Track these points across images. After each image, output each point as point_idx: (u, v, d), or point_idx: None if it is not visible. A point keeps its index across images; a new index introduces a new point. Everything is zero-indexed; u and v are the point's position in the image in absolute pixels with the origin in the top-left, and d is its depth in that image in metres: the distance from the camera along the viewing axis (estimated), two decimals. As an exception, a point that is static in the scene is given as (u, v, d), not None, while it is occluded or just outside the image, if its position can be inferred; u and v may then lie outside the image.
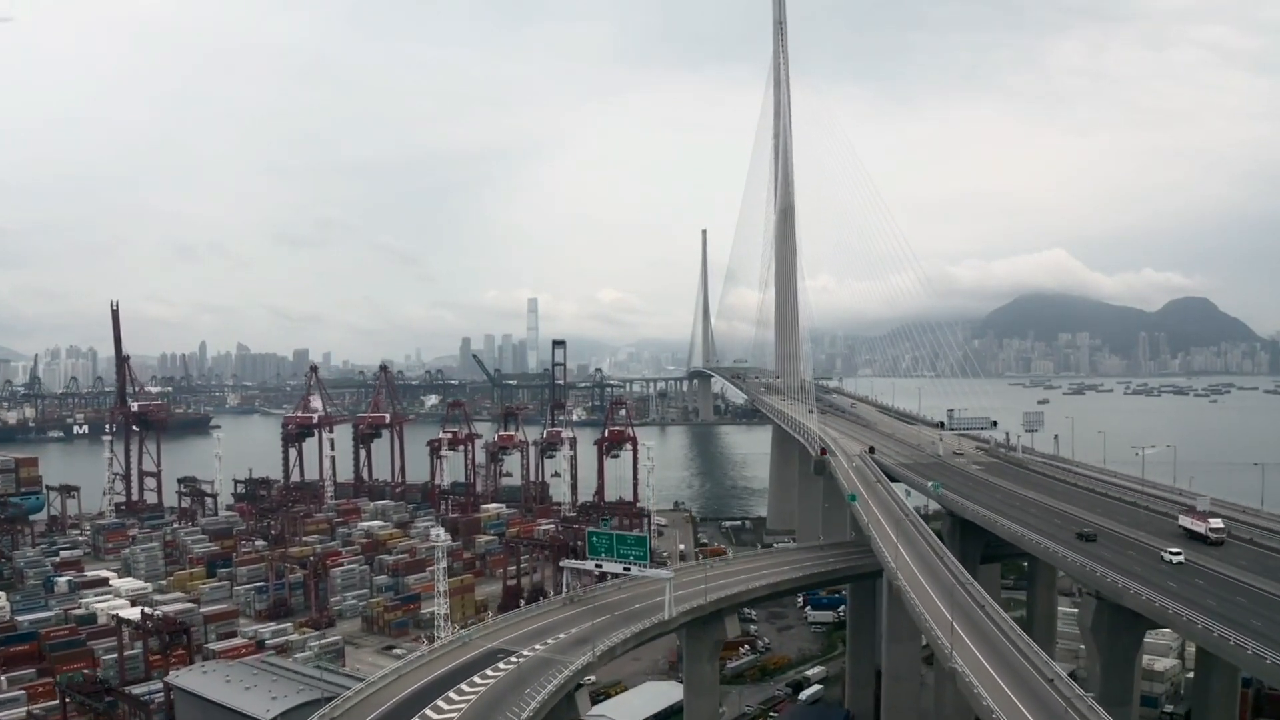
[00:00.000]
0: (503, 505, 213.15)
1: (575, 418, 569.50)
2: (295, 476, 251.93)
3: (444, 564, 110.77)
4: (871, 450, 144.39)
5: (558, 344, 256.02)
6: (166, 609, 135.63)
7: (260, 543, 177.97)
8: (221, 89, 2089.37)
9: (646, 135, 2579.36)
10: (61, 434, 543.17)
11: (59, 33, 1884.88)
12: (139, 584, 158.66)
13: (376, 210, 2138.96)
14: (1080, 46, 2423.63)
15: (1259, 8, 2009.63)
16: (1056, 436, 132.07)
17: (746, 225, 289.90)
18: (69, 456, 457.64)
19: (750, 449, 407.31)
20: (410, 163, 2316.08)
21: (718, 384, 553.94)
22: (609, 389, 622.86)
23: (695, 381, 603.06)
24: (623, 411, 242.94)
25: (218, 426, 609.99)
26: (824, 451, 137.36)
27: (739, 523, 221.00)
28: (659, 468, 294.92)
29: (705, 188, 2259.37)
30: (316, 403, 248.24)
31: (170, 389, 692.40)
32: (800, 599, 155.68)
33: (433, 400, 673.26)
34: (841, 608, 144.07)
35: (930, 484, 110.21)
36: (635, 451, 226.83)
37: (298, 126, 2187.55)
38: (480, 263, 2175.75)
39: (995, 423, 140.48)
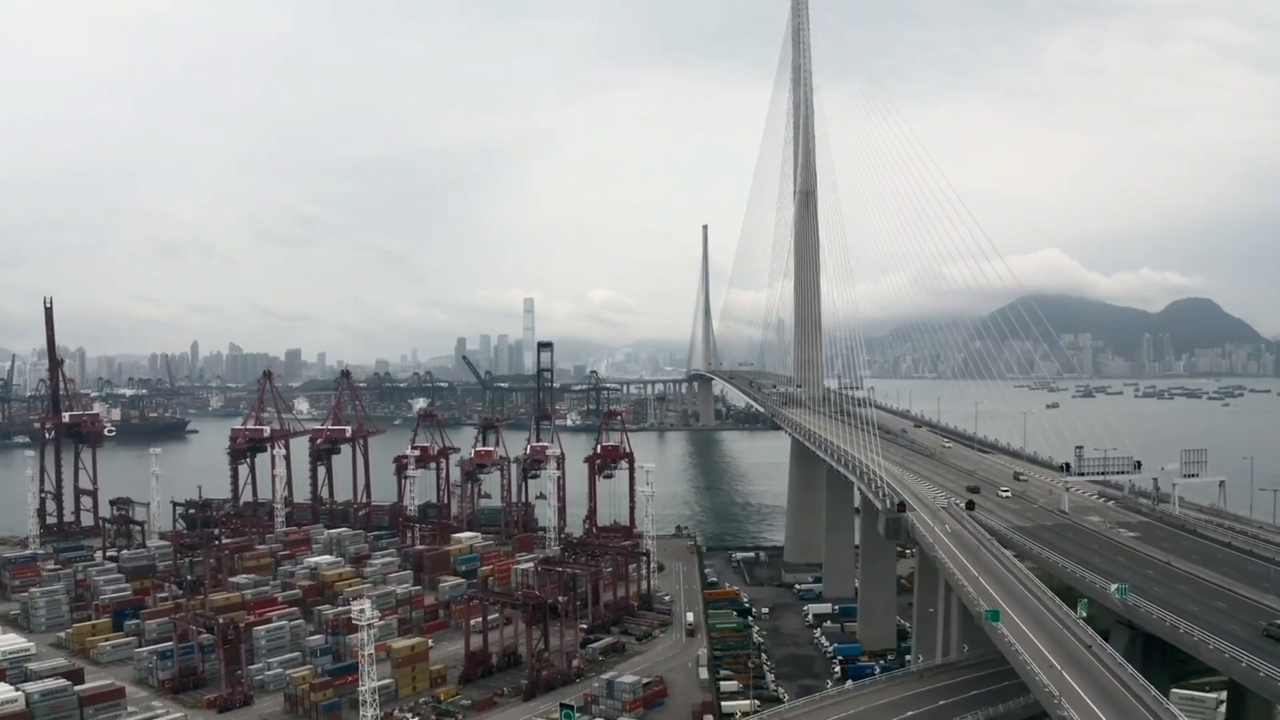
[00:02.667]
0: (477, 535, 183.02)
1: (569, 422, 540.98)
2: (249, 496, 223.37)
3: (371, 649, 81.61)
4: (970, 505, 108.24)
5: (544, 346, 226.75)
6: (31, 687, 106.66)
7: (177, 589, 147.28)
8: (205, 86, 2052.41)
9: (635, 133, 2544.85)
10: (28, 439, 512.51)
11: (41, 29, 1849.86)
12: (20, 644, 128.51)
13: (363, 209, 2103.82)
14: (1075, 42, 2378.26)
15: (1259, 2, 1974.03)
16: (1222, 483, 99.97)
17: (754, 218, 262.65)
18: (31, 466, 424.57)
19: (757, 458, 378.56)
20: (397, 161, 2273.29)
21: (718, 386, 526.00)
22: (605, 392, 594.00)
23: (695, 384, 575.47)
24: (618, 417, 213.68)
25: (194, 431, 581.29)
26: (902, 507, 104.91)
27: (752, 555, 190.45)
28: (657, 480, 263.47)
29: (697, 186, 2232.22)
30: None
31: (144, 391, 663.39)
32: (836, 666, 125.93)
33: (421, 404, 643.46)
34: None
35: (1114, 588, 73.52)
36: (632, 471, 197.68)
37: (282, 124, 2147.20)
38: (470, 262, 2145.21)
39: (1140, 464, 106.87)
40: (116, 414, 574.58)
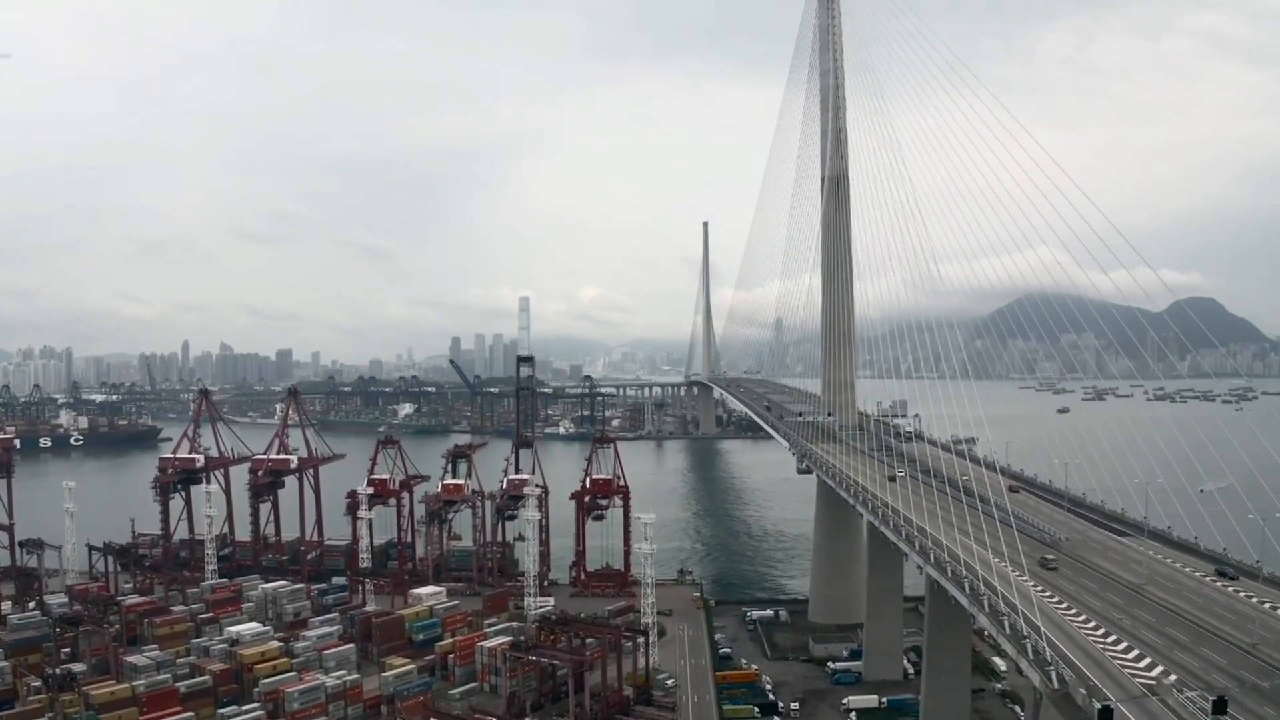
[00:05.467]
0: (441, 591, 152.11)
1: (562, 430, 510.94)
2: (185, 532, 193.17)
3: None
4: (1222, 706, 55.16)
5: (524, 361, 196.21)
6: None
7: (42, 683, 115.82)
8: (187, 82, 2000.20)
9: (623, 129, 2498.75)
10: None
11: (19, 24, 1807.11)
12: None
13: (348, 206, 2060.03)
14: (1069, 37, 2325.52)
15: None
16: None
17: (764, 213, 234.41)
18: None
19: (763, 473, 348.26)
20: (381, 158, 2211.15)
21: (719, 390, 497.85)
22: (600, 397, 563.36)
23: (695, 388, 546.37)
24: (611, 444, 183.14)
25: (168, 439, 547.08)
26: (1108, 713, 54.43)
27: (770, 613, 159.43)
28: (655, 502, 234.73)
29: (691, 183, 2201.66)
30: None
31: (116, 397, 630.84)
32: None
33: (407, 410, 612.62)
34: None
35: None
36: (627, 508, 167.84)
37: (265, 120, 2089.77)
38: (458, 260, 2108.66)
39: None
40: (84, 422, 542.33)
